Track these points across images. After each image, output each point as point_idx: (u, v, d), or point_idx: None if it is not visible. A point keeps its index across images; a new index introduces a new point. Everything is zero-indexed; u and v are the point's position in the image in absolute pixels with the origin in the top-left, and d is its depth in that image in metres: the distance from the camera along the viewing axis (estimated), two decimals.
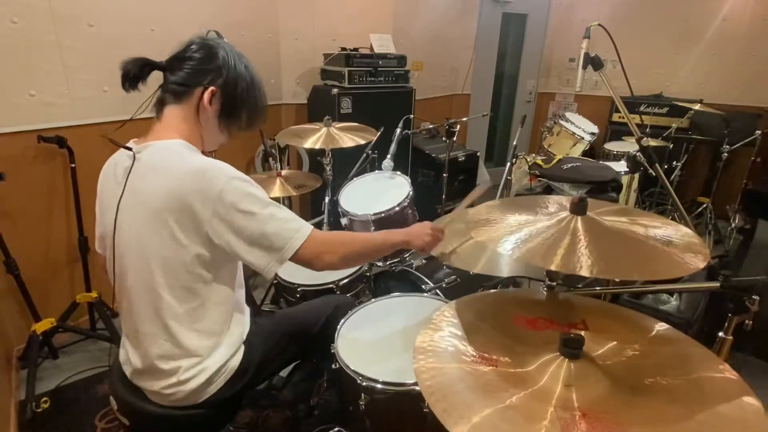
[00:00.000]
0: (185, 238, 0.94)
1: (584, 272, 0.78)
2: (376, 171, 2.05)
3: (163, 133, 1.02)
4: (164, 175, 0.95)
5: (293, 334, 1.27)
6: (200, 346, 1.03)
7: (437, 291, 1.68)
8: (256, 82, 1.10)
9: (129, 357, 1.08)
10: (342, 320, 1.32)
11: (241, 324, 1.14)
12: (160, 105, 1.04)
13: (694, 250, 0.85)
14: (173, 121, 1.03)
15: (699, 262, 0.81)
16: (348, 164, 2.20)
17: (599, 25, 1.42)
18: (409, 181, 1.82)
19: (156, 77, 1.04)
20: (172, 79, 1.02)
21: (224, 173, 0.94)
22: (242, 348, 1.13)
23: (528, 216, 1.00)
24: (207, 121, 1.05)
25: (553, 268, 0.81)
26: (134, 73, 0.98)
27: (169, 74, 1.03)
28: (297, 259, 1.00)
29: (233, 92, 1.05)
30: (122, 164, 1.01)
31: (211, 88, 1.02)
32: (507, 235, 0.92)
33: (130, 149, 0.99)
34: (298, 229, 1.00)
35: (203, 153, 1.07)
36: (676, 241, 0.88)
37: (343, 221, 1.80)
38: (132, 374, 1.08)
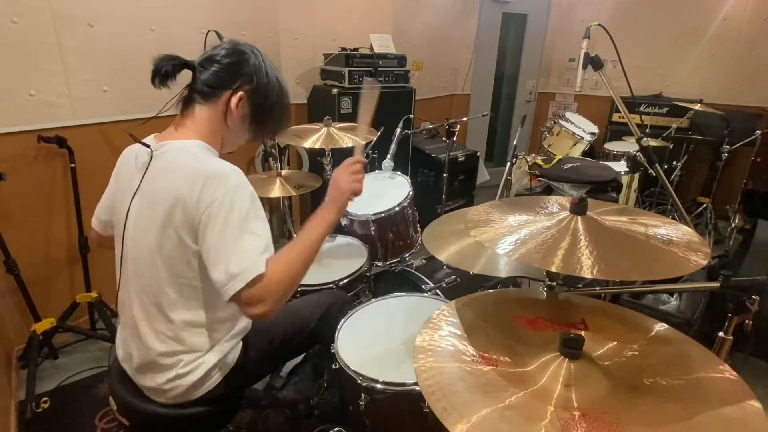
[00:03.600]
0: (188, 237, 0.95)
1: (584, 273, 0.78)
2: (376, 171, 2.05)
3: (184, 131, 1.03)
4: (173, 175, 0.96)
5: (290, 330, 1.27)
6: (202, 342, 1.04)
7: (437, 291, 1.68)
8: (284, 90, 1.11)
9: (128, 353, 1.08)
10: (342, 320, 1.32)
11: (243, 321, 1.15)
12: (186, 103, 1.05)
13: (695, 249, 0.85)
14: (197, 121, 1.03)
15: (700, 260, 0.81)
16: None
17: (599, 25, 1.42)
18: (409, 181, 1.83)
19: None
20: (201, 79, 1.03)
21: (230, 182, 0.93)
22: (240, 344, 1.13)
23: (528, 216, 1.00)
24: (233, 124, 1.06)
25: (553, 269, 0.81)
26: (166, 70, 0.98)
27: (199, 74, 1.03)
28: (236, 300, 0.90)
29: (263, 99, 1.06)
30: (141, 157, 1.02)
31: (240, 92, 1.03)
32: (506, 236, 0.92)
33: (148, 146, 1.01)
34: (237, 275, 0.88)
35: (225, 152, 1.08)
36: (676, 240, 0.88)
37: (344, 221, 1.80)
38: (132, 371, 1.08)
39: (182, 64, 1.01)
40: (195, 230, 0.94)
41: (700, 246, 0.86)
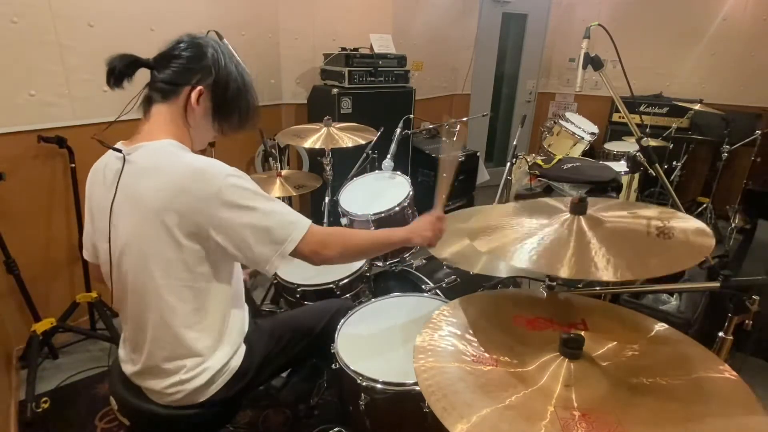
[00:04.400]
0: (184, 237, 0.94)
1: (601, 276, 0.77)
2: (376, 171, 2.05)
3: (152, 133, 1.00)
4: (160, 176, 0.94)
5: (294, 336, 1.27)
6: (203, 346, 1.03)
7: (437, 291, 1.68)
8: (247, 82, 1.07)
9: (131, 358, 1.08)
10: (342, 320, 1.32)
11: (241, 322, 1.14)
12: (147, 104, 1.03)
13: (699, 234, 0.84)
14: (161, 121, 1.01)
15: (707, 243, 0.80)
16: (348, 164, 2.20)
17: (599, 25, 1.41)
18: (409, 181, 1.82)
19: (144, 75, 1.02)
20: (159, 78, 1.00)
21: (221, 171, 0.94)
22: (243, 348, 1.13)
23: (532, 221, 0.99)
24: (195, 121, 1.03)
25: (564, 275, 0.79)
26: (119, 70, 0.96)
27: (157, 72, 1.01)
28: (297, 252, 1.00)
29: (224, 93, 1.03)
30: (112, 166, 0.99)
31: (199, 87, 1.00)
32: (513, 245, 0.91)
33: (119, 151, 0.97)
34: (296, 223, 1.00)
35: (196, 151, 1.06)
36: (677, 232, 0.87)
37: (343, 221, 1.80)
38: (134, 374, 1.08)
39: (136, 62, 0.98)
40: (199, 227, 0.93)
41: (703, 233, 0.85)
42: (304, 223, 1.01)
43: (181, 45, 1.02)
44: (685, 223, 0.90)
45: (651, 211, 0.97)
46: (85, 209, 1.09)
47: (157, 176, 0.94)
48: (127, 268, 0.99)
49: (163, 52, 1.02)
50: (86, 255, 1.14)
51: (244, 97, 1.07)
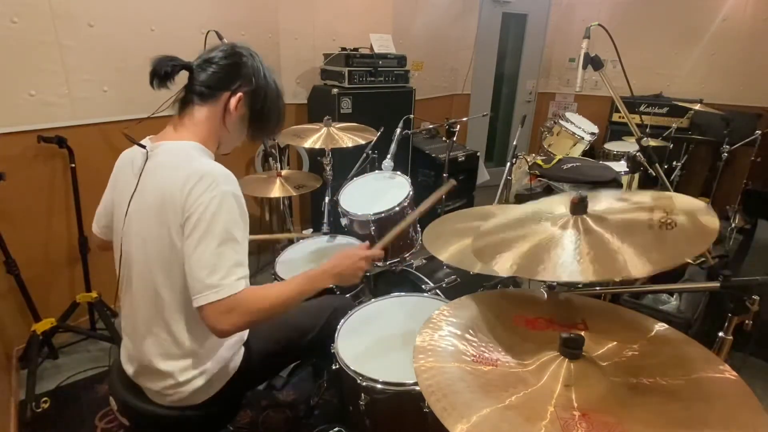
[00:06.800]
0: (177, 237, 0.94)
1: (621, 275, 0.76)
2: (376, 171, 2.05)
3: (180, 132, 1.03)
4: (165, 175, 0.95)
5: (293, 335, 1.27)
6: (200, 347, 1.03)
7: (437, 291, 1.68)
8: (279, 90, 1.11)
9: (130, 356, 1.08)
10: (342, 320, 1.32)
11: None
12: (183, 104, 1.05)
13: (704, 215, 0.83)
14: (195, 122, 1.03)
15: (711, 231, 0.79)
16: (348, 164, 2.20)
17: (599, 25, 1.42)
18: (409, 181, 1.82)
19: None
20: (199, 80, 1.03)
21: (219, 182, 0.92)
22: (242, 350, 1.13)
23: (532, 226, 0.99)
24: (231, 125, 1.06)
25: (586, 278, 0.78)
26: (165, 71, 0.97)
27: (197, 75, 1.03)
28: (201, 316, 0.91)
29: (262, 101, 1.07)
30: (137, 162, 1.02)
31: (239, 93, 1.03)
32: (521, 256, 0.89)
33: (144, 147, 1.00)
34: (215, 287, 0.88)
35: (222, 154, 1.09)
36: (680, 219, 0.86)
37: (344, 221, 1.80)
38: (133, 374, 1.08)
39: (181, 65, 1.01)
40: (182, 229, 0.93)
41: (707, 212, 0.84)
42: (227, 288, 0.88)
43: (221, 52, 1.04)
44: (686, 204, 0.89)
45: (650, 201, 0.95)
46: (107, 188, 1.11)
47: (163, 175, 0.96)
48: (133, 262, 1.01)
49: (204, 57, 1.05)
50: (95, 228, 1.17)
51: (277, 105, 1.11)
